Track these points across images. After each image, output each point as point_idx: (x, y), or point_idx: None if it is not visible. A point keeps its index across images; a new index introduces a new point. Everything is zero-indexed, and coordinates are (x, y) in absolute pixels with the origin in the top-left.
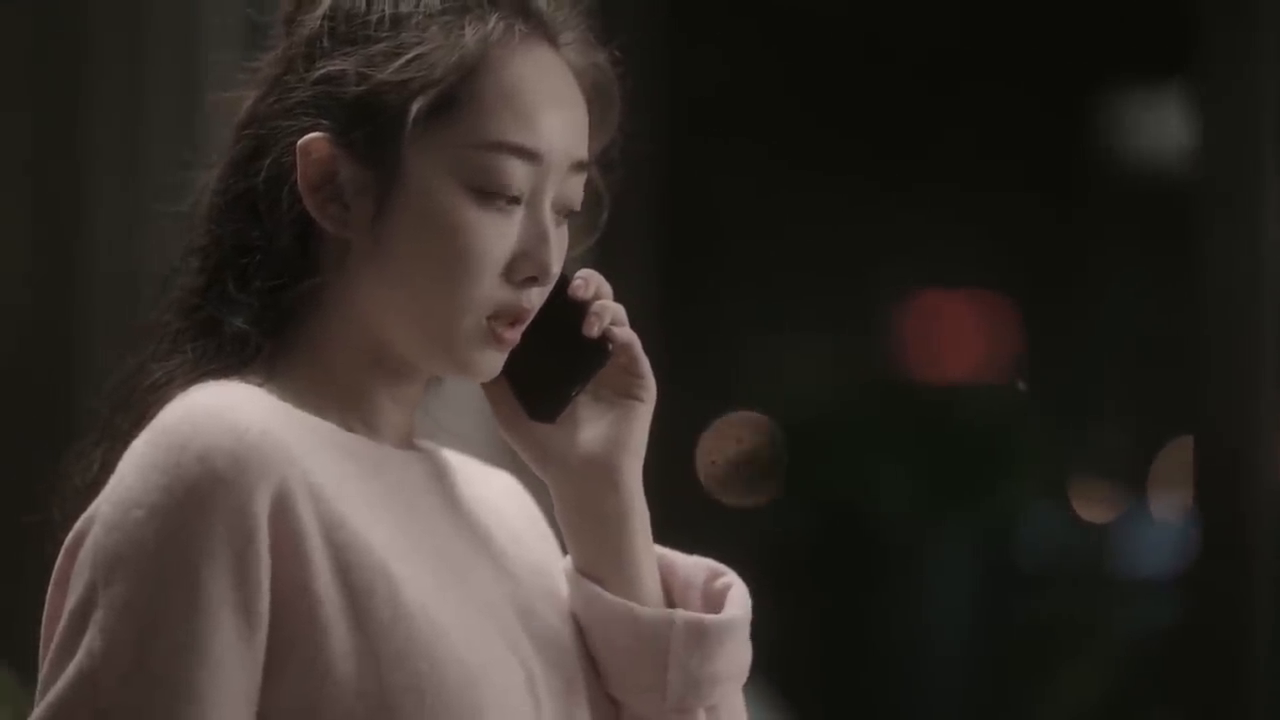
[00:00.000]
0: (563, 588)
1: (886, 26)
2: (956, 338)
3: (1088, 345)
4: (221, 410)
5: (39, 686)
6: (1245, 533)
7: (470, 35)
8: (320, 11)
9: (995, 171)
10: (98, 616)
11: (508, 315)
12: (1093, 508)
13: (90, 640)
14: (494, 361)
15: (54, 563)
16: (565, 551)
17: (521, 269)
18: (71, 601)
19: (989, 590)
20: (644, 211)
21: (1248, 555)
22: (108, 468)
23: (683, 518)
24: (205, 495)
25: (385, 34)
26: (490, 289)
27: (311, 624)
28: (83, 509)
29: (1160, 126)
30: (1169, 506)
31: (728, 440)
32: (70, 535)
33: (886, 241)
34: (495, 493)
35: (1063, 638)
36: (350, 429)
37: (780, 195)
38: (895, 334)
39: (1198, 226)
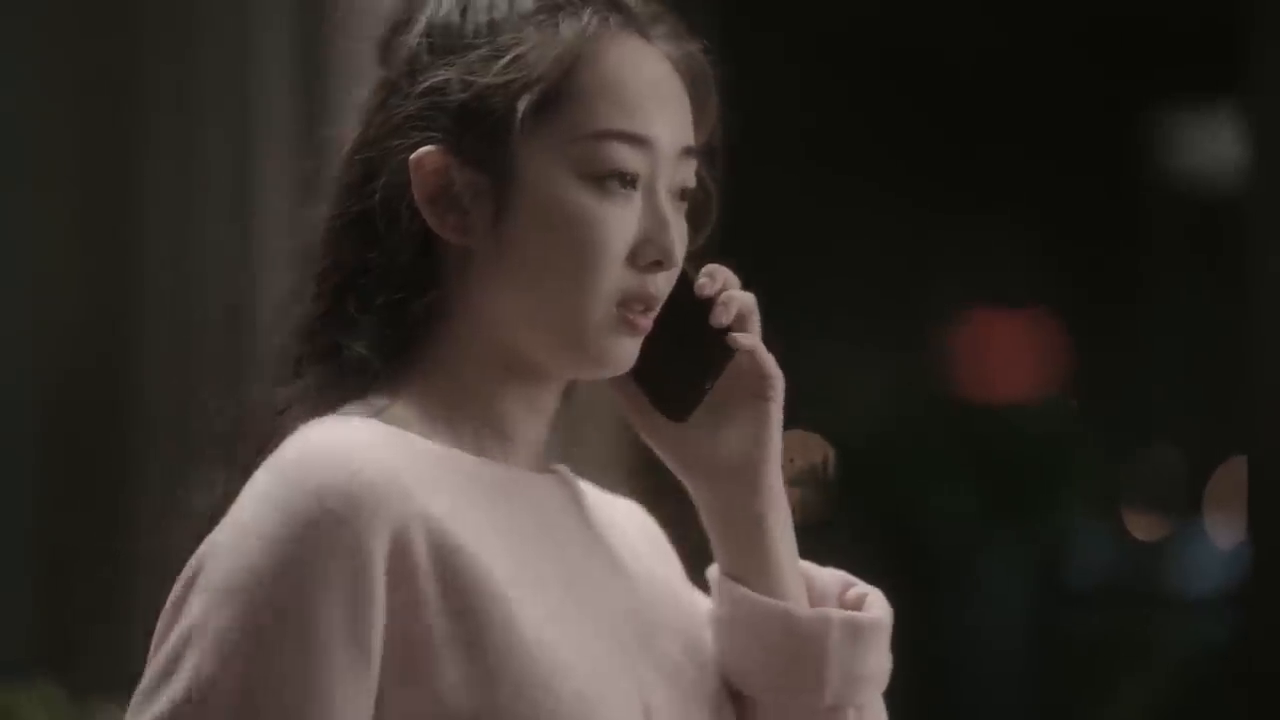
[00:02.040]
0: (686, 615)
1: (938, 45)
2: (1009, 356)
3: (1141, 364)
4: (336, 448)
5: (134, 705)
6: None
7: (566, 30)
8: (416, 31)
9: (1047, 190)
10: (207, 642)
11: (637, 301)
12: (1145, 527)
13: (198, 664)
14: (628, 350)
15: (123, 584)
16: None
17: (645, 254)
18: (183, 624)
19: (1041, 609)
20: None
21: None
22: (228, 496)
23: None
24: (320, 531)
25: (483, 40)
26: (617, 276)
27: (424, 657)
28: (202, 535)
29: (1212, 144)
30: (1222, 526)
31: (780, 459)
32: (191, 562)
33: (939, 259)
34: (621, 518)
35: (1115, 656)
36: (482, 448)
37: (833, 214)
38: (947, 352)
39: (1250, 245)
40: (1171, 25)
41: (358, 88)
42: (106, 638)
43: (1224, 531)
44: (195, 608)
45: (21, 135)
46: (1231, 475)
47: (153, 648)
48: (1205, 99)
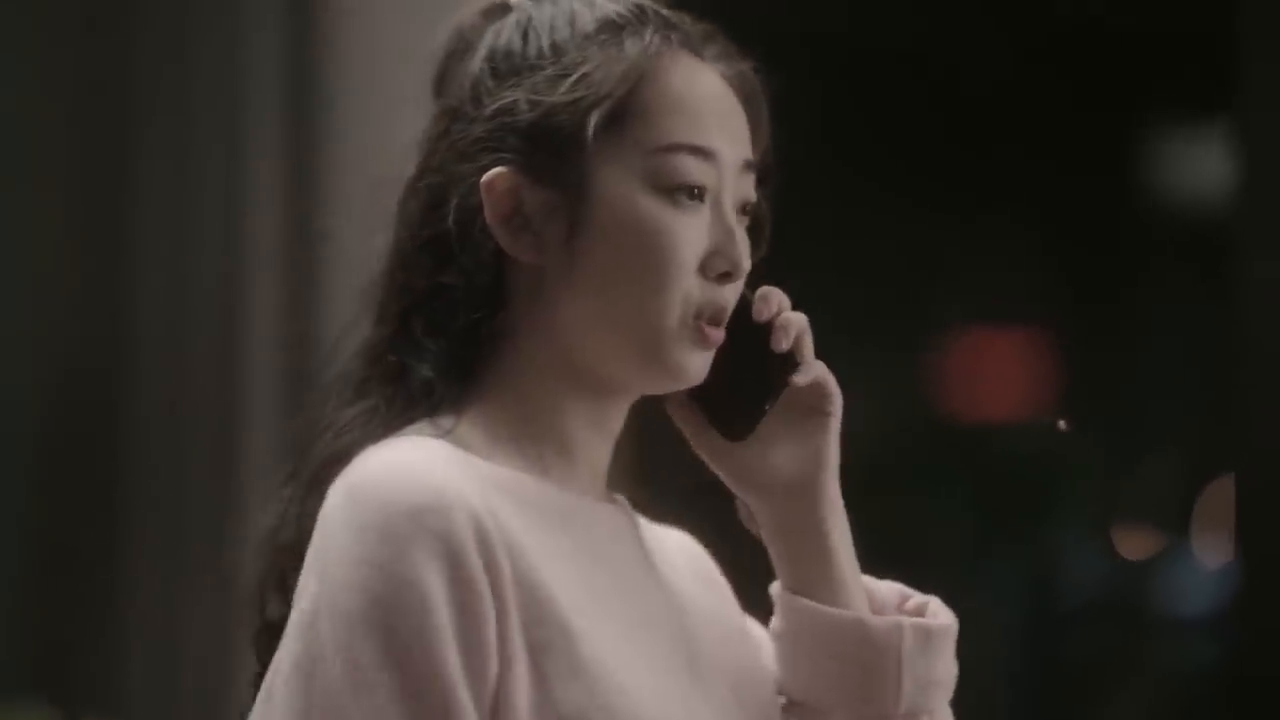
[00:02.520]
0: (736, 647)
1: (926, 69)
2: (997, 375)
3: (1130, 383)
4: (417, 467)
5: None
6: None
7: (630, 49)
8: (479, 58)
9: (1039, 208)
10: (363, 675)
11: (710, 312)
12: (1134, 545)
13: (364, 694)
14: (701, 363)
15: (115, 602)
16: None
17: (715, 265)
18: (321, 665)
19: (1030, 627)
20: None
21: None
22: (292, 515)
23: (721, 554)
24: (425, 550)
25: (548, 61)
26: (690, 286)
27: (508, 675)
28: (271, 554)
29: (1201, 164)
30: (1211, 545)
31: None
32: (302, 608)
33: (929, 278)
34: (673, 548)
35: (1104, 675)
36: (545, 469)
37: (823, 233)
38: (936, 371)
39: (1239, 264)
40: (1162, 42)
41: (420, 120)
42: (99, 656)
43: (1213, 550)
44: (341, 648)
45: (18, 138)
46: (1220, 494)
47: (296, 693)
48: (1197, 116)
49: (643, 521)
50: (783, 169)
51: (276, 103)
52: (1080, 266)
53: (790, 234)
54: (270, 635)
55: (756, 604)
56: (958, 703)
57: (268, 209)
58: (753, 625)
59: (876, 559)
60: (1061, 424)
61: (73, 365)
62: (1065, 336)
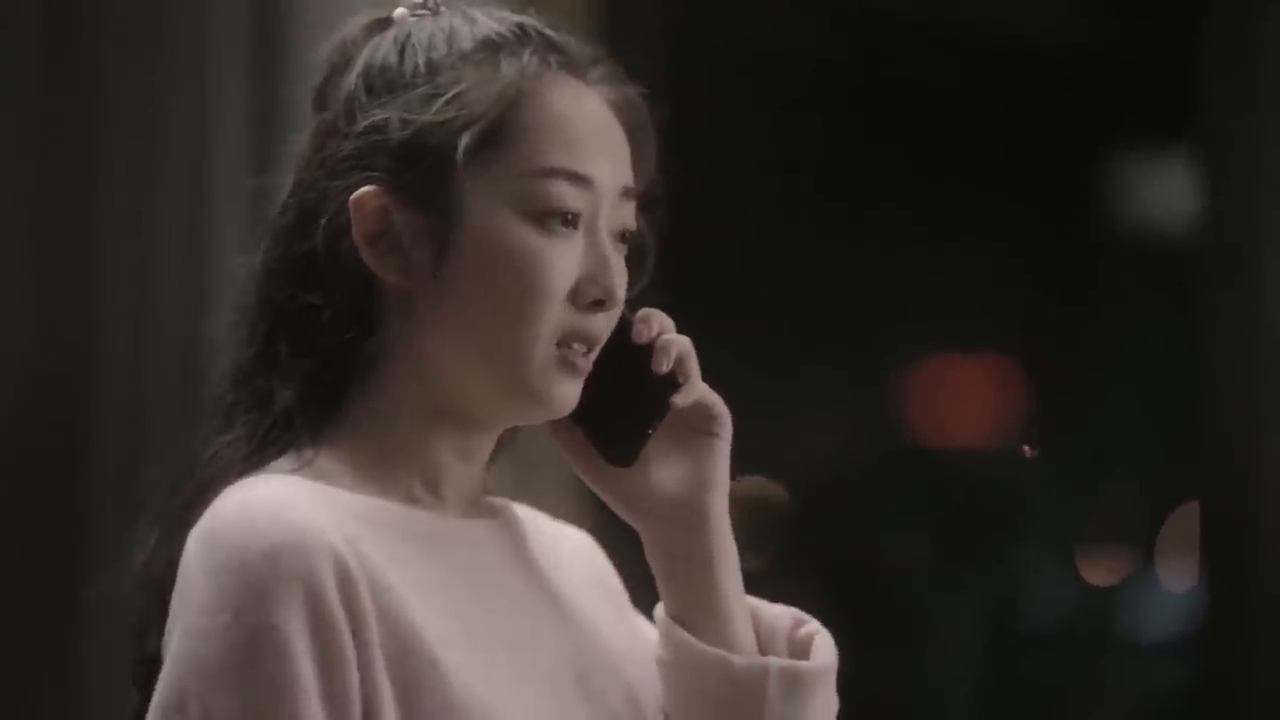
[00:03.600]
0: (625, 656)
1: (890, 92)
2: (963, 402)
3: (1095, 410)
4: (274, 507)
5: None
6: (1251, 598)
7: (507, 69)
8: (354, 73)
9: (1002, 237)
10: None
11: (578, 340)
12: (1099, 572)
13: None
14: (570, 392)
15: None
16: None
17: (587, 293)
18: (176, 715)
19: (995, 654)
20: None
21: (1254, 620)
22: (161, 549)
23: None
24: (283, 595)
25: (422, 79)
26: (558, 316)
27: (375, 715)
28: (144, 590)
29: (1165, 192)
30: (1175, 571)
31: (727, 497)
32: (172, 656)
33: (893, 306)
34: (565, 553)
35: (1069, 701)
36: (412, 498)
37: (788, 260)
38: (902, 398)
39: (1203, 291)
40: (1126, 71)
41: (297, 131)
42: (60, 683)
43: (1177, 576)
44: (193, 698)
45: None
46: (1185, 520)
47: None
48: (1160, 145)
49: (533, 527)
50: (745, 196)
51: (242, 123)
52: (1046, 295)
53: (755, 261)
54: (148, 670)
55: None
56: None
57: (233, 231)
58: (646, 629)
59: (843, 584)
60: (1027, 450)
61: (34, 386)
62: (1031, 364)
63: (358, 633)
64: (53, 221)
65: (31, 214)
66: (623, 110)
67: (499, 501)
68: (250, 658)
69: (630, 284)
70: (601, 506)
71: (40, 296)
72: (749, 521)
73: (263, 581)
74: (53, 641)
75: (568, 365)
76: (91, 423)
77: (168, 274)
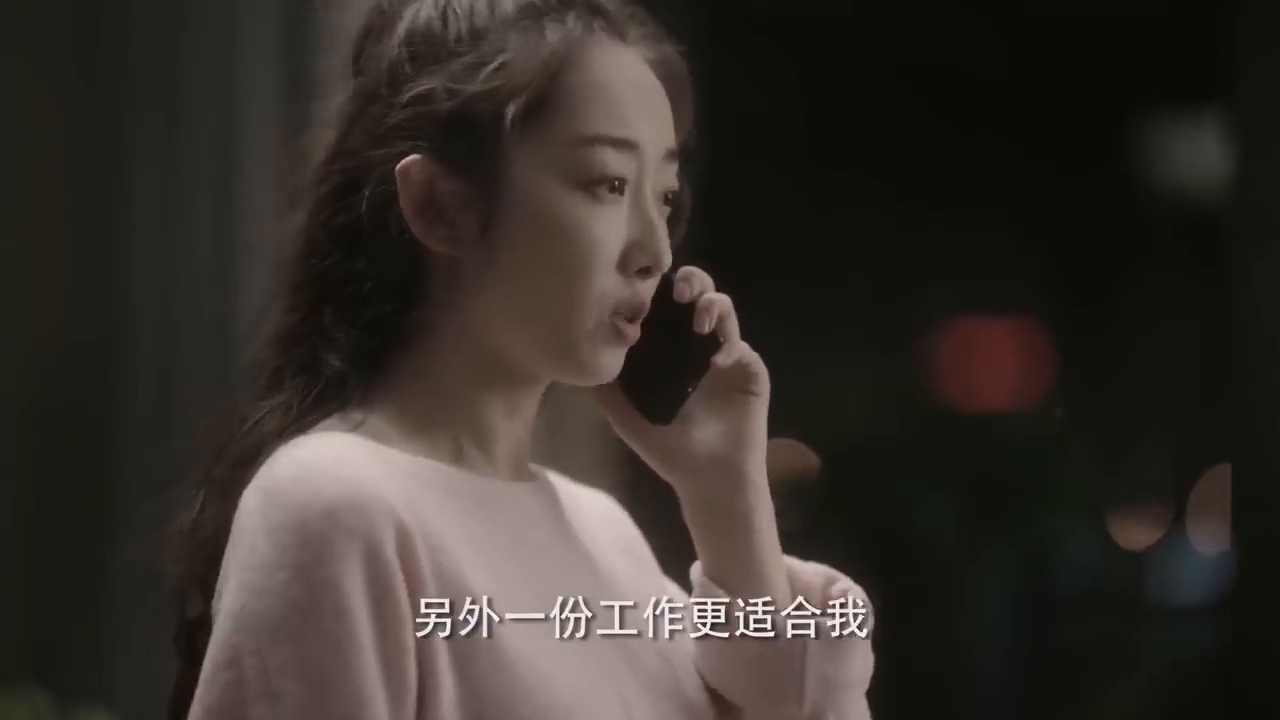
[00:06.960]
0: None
1: (925, 55)
2: (994, 364)
3: (1126, 372)
4: (332, 464)
5: None
6: None
7: (551, 35)
8: (396, 39)
9: (1034, 199)
10: (268, 682)
11: (627, 310)
12: (1131, 535)
13: (267, 702)
14: (615, 359)
15: (105, 592)
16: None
17: (635, 259)
18: (229, 670)
19: (1027, 616)
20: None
21: None
22: (209, 511)
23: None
24: (342, 551)
25: (467, 48)
26: (608, 283)
27: (430, 673)
28: (182, 551)
29: (1197, 154)
30: (1206, 534)
31: (764, 455)
32: (227, 609)
33: (925, 268)
34: (595, 518)
35: (1100, 664)
36: (461, 457)
37: (818, 222)
38: (933, 360)
39: (1234, 254)
40: (1157, 35)
41: (329, 96)
42: (91, 645)
43: (1208, 539)
44: (241, 648)
45: (11, 143)
46: (1216, 483)
47: (203, 699)
48: (1192, 108)
49: (566, 493)
50: (770, 162)
51: (271, 108)
52: (1077, 257)
53: (780, 228)
54: (191, 634)
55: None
56: (955, 692)
57: (260, 215)
58: (673, 590)
59: (869, 548)
60: (1057, 413)
61: (67, 354)
62: (1061, 326)
63: (414, 590)
64: (85, 187)
65: (66, 177)
66: (662, 69)
67: (534, 467)
68: (308, 613)
69: (669, 241)
70: (626, 470)
71: (72, 267)
72: (781, 484)
73: (321, 538)
74: (85, 607)
75: (616, 334)
76: (123, 392)
77: (197, 244)
